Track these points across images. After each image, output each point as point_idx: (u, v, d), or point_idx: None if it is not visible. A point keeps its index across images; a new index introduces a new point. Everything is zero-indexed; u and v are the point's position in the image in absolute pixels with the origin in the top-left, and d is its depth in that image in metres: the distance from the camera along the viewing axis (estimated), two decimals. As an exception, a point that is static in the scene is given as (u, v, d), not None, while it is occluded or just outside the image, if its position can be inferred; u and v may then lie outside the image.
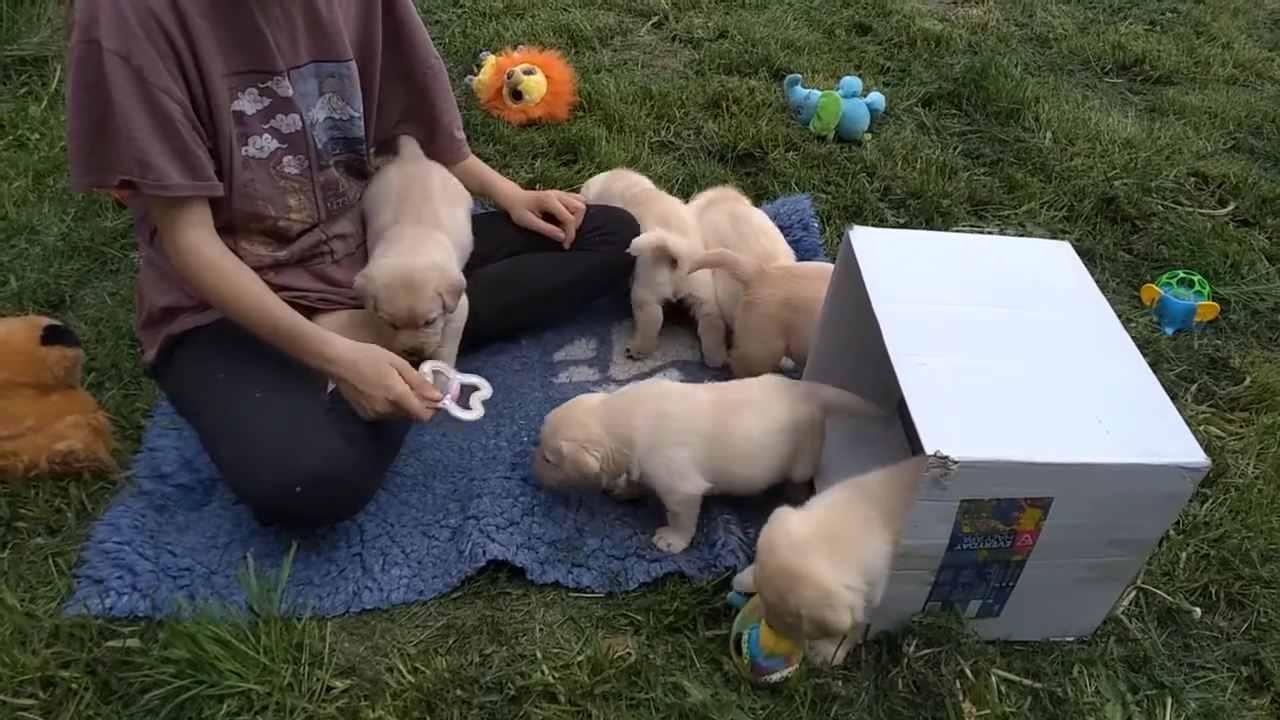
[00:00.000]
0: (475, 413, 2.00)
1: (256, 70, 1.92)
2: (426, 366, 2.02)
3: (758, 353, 2.33)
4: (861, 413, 2.09)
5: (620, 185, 2.76)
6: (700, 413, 1.99)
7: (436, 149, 2.44)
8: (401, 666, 1.76)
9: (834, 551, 1.63)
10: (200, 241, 1.92)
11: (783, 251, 2.56)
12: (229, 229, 2.06)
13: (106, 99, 1.76)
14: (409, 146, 2.39)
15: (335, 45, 2.04)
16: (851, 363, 2.08)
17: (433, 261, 2.13)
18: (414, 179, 2.31)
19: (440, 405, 1.96)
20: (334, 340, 1.94)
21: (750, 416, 2.00)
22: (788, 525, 1.68)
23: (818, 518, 1.70)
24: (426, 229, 2.21)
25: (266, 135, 1.99)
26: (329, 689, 1.71)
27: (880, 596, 1.68)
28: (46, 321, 2.11)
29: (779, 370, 2.29)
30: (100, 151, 1.81)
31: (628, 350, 2.58)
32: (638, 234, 2.52)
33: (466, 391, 2.04)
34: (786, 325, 2.30)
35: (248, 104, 1.93)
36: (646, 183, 2.81)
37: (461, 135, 2.47)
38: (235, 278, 1.94)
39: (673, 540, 2.01)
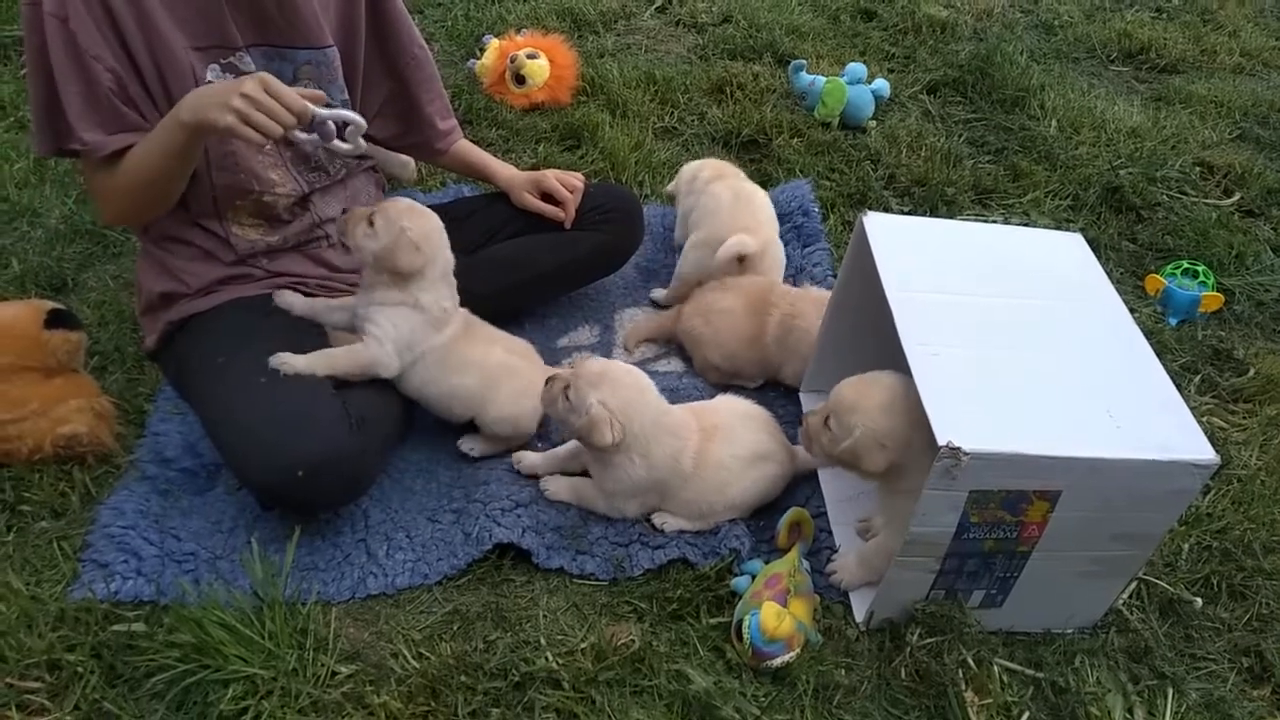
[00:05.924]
0: (350, 144, 1.93)
1: (217, 46, 1.92)
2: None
3: (711, 360, 2.41)
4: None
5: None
6: None
7: (417, 140, 2.41)
8: (406, 652, 1.76)
9: (909, 417, 1.73)
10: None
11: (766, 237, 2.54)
12: (215, 212, 2.04)
13: (49, 63, 1.77)
14: None
15: (312, 31, 2.02)
16: (860, 349, 2.07)
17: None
18: None
19: (312, 117, 1.83)
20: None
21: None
22: (899, 374, 1.80)
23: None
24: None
25: None
26: (334, 674, 1.71)
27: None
28: (50, 305, 2.09)
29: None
30: (54, 116, 1.83)
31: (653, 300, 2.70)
32: (639, 213, 2.50)
33: (342, 128, 1.94)
34: (700, 336, 2.39)
35: (214, 79, 1.92)
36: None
37: (448, 124, 2.43)
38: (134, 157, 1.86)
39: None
